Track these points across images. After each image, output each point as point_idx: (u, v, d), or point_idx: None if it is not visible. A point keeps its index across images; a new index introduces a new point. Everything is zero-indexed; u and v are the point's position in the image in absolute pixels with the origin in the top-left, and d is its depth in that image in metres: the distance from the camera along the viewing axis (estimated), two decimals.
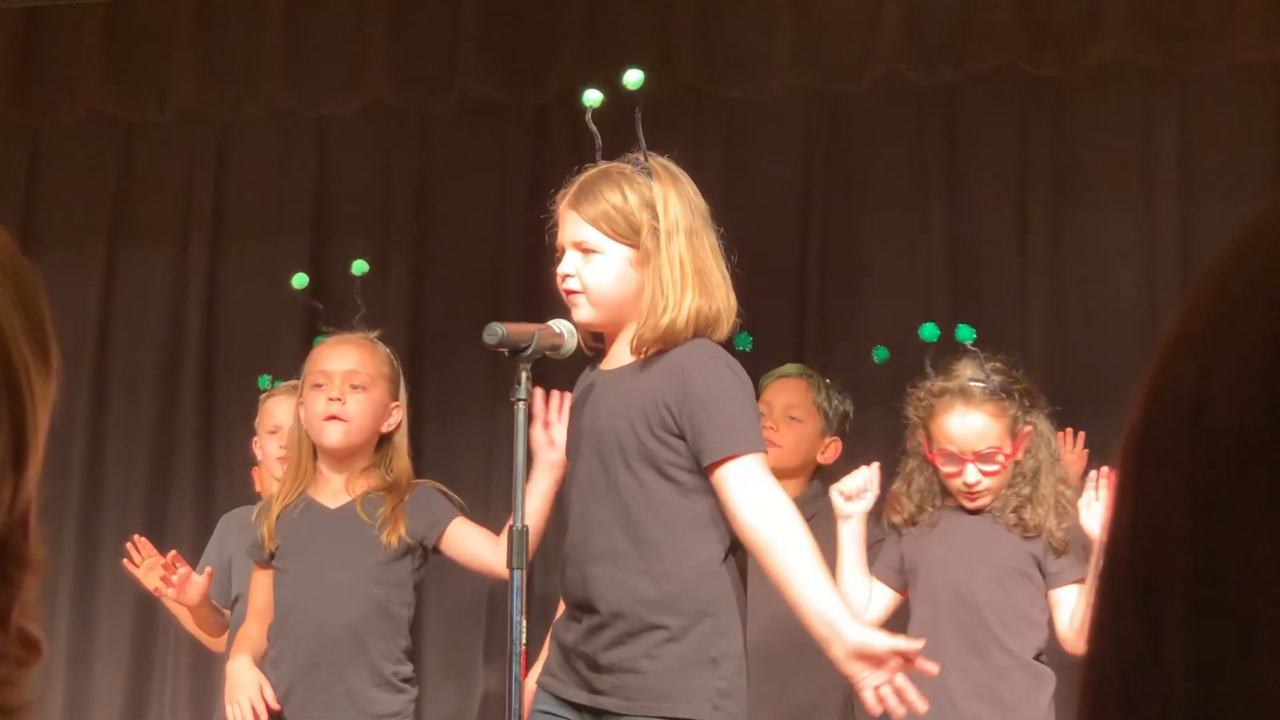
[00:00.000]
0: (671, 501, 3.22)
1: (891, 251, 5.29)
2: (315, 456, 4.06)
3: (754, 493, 3.16)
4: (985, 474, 3.69)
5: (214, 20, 5.63)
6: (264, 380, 4.83)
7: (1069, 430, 4.32)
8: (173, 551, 4.43)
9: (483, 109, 5.54)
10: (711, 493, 3.21)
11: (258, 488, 5.05)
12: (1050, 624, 3.68)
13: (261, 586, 4.04)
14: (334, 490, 4.04)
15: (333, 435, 3.99)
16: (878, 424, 4.66)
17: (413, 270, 5.63)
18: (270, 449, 4.64)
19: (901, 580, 3.78)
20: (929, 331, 3.83)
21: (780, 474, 4.35)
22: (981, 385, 3.70)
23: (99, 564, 5.73)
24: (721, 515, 3.21)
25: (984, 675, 3.61)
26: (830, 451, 4.51)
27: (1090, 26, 4.98)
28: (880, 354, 4.58)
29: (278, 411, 4.62)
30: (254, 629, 4.01)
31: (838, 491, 3.76)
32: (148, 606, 5.49)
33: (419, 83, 5.50)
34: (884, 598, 3.79)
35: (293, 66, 5.57)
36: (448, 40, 5.46)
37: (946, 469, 3.73)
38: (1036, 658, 3.65)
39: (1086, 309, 5.04)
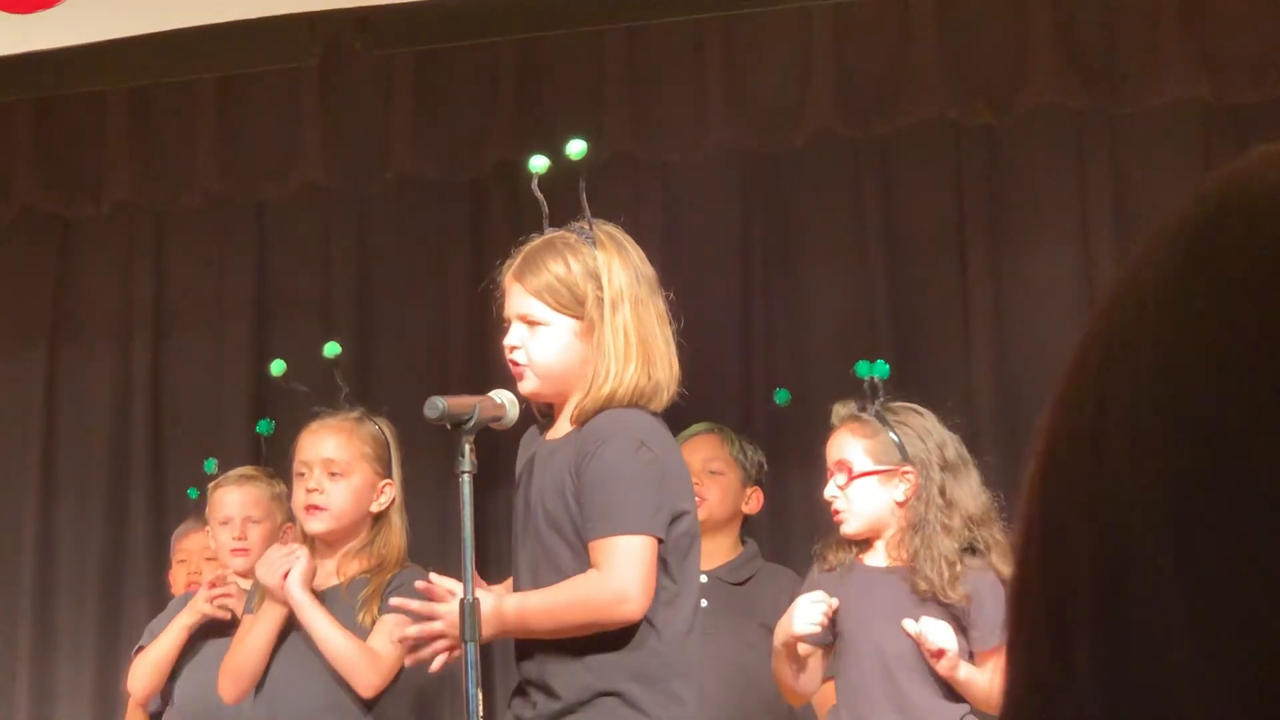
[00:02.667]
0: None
1: (834, 304, 5.31)
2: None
3: (594, 573, 3.15)
4: (838, 486, 3.69)
5: (146, 111, 5.62)
6: (210, 464, 4.82)
7: None
8: None
9: (419, 186, 5.54)
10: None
11: (173, 591, 5.01)
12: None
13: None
14: (327, 572, 4.02)
15: (314, 525, 3.98)
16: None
17: (357, 350, 5.61)
18: (223, 539, 4.62)
19: (827, 636, 3.76)
20: (863, 368, 3.86)
21: (710, 526, 4.39)
22: (859, 413, 3.74)
23: (56, 664, 5.69)
24: (666, 581, 3.20)
25: None
26: (753, 501, 4.63)
27: (1018, 74, 5.03)
28: (782, 396, 4.67)
29: (227, 501, 4.62)
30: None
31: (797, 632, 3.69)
32: (107, 703, 5.45)
33: (354, 163, 5.50)
34: (818, 664, 3.77)
35: (227, 153, 5.56)
36: (381, 119, 5.47)
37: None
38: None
39: (1028, 349, 5.07)
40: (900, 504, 3.70)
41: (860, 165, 5.34)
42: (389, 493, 4.04)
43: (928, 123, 5.13)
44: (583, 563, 3.20)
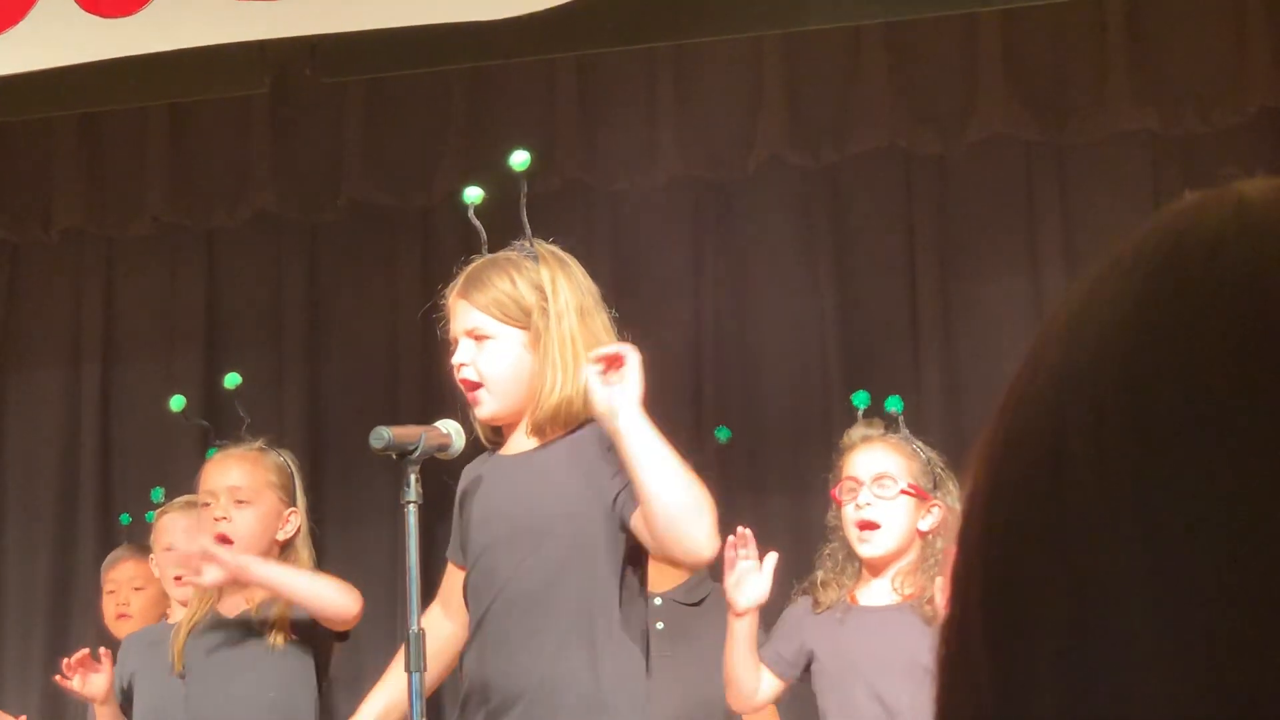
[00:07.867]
0: (604, 580, 3.18)
1: (785, 332, 5.31)
2: None
3: None
4: (879, 497, 3.63)
5: (96, 137, 5.60)
6: (157, 493, 4.79)
7: None
8: (83, 650, 4.39)
9: (370, 214, 5.54)
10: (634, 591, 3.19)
11: (105, 621, 4.96)
12: None
13: None
14: (235, 602, 4.00)
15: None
16: (781, 506, 4.69)
17: (308, 378, 5.59)
18: (166, 567, 4.58)
19: (792, 671, 3.71)
20: (860, 398, 3.84)
21: None
22: (895, 434, 3.72)
23: (2, 695, 5.64)
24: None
25: None
26: None
27: (967, 104, 5.06)
28: (722, 434, 4.66)
29: (173, 528, 4.57)
30: None
31: (732, 585, 3.64)
32: None
33: (305, 190, 5.50)
34: (771, 685, 3.72)
35: (177, 180, 5.55)
36: (333, 147, 5.46)
37: (845, 499, 3.68)
38: None
39: (977, 377, 5.08)
40: (922, 534, 3.67)
41: (810, 194, 5.35)
42: (295, 521, 4.04)
43: (878, 151, 5.15)
44: (562, 566, 3.16)
